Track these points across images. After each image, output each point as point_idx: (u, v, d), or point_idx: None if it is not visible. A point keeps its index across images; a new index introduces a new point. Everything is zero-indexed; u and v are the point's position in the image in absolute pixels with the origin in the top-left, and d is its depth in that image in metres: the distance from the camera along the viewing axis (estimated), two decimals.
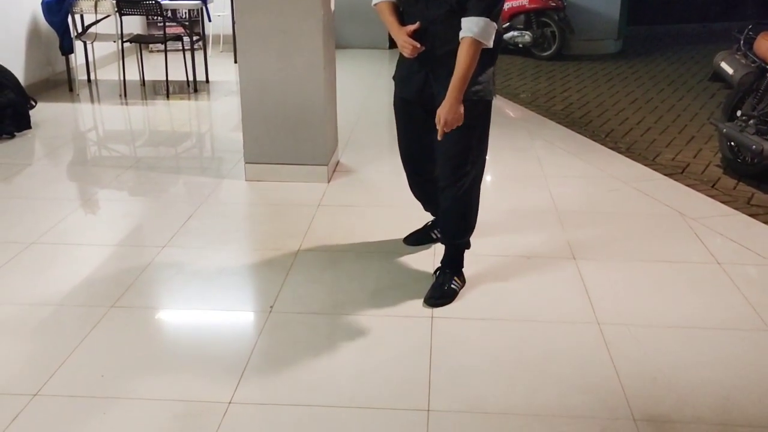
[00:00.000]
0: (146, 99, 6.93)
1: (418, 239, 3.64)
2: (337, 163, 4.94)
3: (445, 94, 2.84)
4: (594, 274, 3.35)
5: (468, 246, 3.21)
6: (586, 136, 5.70)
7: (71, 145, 5.50)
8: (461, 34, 2.73)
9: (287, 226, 3.91)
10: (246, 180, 4.62)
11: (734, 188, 4.64)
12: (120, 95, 6.86)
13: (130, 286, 3.23)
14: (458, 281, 3.17)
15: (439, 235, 3.58)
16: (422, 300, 3.10)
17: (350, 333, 2.87)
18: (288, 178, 4.58)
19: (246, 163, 4.62)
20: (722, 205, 4.23)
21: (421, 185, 3.41)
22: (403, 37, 2.86)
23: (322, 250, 3.63)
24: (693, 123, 6.25)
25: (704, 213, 4.09)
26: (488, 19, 2.70)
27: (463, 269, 3.22)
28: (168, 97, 6.94)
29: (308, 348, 2.78)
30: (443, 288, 3.12)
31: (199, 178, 4.70)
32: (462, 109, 2.85)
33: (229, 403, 2.45)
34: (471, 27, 2.70)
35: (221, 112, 6.56)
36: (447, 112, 2.83)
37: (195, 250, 3.62)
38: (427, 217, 3.63)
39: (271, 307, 3.06)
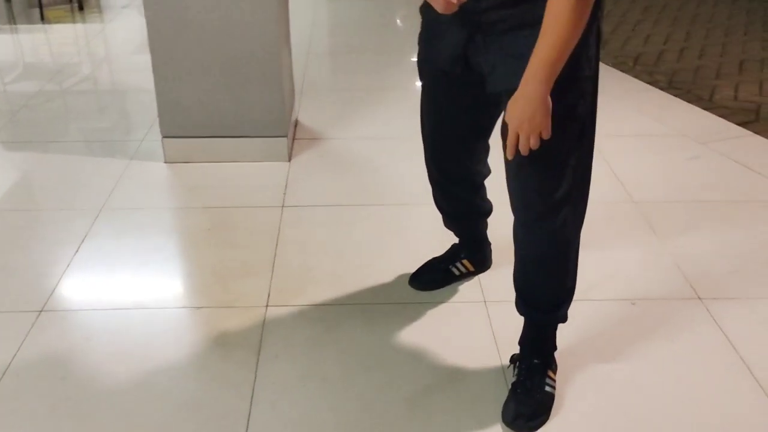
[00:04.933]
0: (14, 21, 5.15)
1: (433, 279, 2.30)
2: (296, 125, 3.47)
3: (502, 70, 1.57)
4: (742, 328, 2.11)
5: (565, 319, 1.89)
6: (609, 65, 4.37)
7: None
8: None
9: (238, 255, 2.49)
10: (165, 162, 3.12)
11: None
12: None
13: None
14: (552, 377, 1.88)
15: (465, 271, 2.28)
16: (501, 421, 1.79)
17: None
18: (229, 157, 3.11)
19: (164, 137, 3.10)
20: None
21: (450, 191, 2.09)
22: None
23: (305, 313, 2.24)
24: (731, 40, 4.98)
25: None
26: None
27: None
28: (42, 16, 5.15)
29: None
30: (534, 395, 1.81)
31: (91, 164, 3.16)
32: (550, 104, 1.48)
33: None
34: None
35: (120, 40, 4.89)
36: (523, 112, 1.49)
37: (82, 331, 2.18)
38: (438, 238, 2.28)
39: None
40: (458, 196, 2.13)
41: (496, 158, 1.79)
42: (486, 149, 1.97)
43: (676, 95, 3.92)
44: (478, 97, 1.72)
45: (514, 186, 1.72)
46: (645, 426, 1.78)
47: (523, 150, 1.54)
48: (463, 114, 1.85)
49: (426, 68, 1.86)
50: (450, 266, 2.29)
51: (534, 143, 1.51)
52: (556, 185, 1.66)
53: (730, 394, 1.89)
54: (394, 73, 4.36)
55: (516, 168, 1.67)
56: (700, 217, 2.70)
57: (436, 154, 2.02)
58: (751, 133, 3.44)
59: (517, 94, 1.50)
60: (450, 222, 2.24)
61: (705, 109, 3.73)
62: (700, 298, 2.25)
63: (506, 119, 1.55)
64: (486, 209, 2.19)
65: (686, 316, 2.17)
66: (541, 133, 1.51)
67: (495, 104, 1.73)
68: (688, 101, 3.84)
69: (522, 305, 1.88)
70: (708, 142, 3.31)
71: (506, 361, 1.98)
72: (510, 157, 1.58)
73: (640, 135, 3.41)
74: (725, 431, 1.77)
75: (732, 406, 1.85)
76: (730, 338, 2.08)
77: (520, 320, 1.98)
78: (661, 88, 4.04)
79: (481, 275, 2.34)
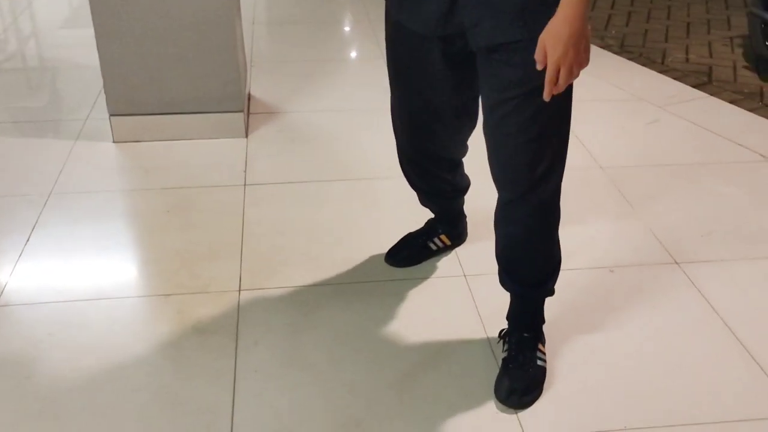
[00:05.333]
0: None
1: (410, 255, 2.24)
2: (249, 99, 3.34)
3: (487, 24, 1.49)
4: (721, 289, 2.11)
5: (552, 292, 1.85)
6: None
7: None
8: None
9: (202, 237, 2.37)
10: (114, 142, 2.96)
11: None
12: None
13: None
14: (542, 350, 1.84)
15: (442, 245, 2.23)
16: (493, 398, 1.75)
17: None
18: (182, 134, 2.96)
19: (111, 115, 2.93)
20: None
21: (429, 171, 2.01)
22: None
23: (281, 296, 2.15)
24: (675, 3, 5.02)
25: None
26: None
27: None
28: None
29: None
30: (527, 370, 1.77)
31: (32, 146, 2.97)
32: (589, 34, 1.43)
33: None
34: None
35: (47, 14, 4.63)
36: (569, 36, 1.39)
37: (55, 316, 2.05)
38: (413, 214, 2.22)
39: None
40: (438, 176, 2.04)
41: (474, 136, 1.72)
42: (471, 126, 1.89)
43: (629, 59, 3.92)
44: (458, 61, 1.64)
45: (501, 160, 1.65)
46: (637, 394, 1.77)
47: (562, 86, 1.43)
48: (444, 83, 1.75)
49: (399, 36, 1.74)
50: (427, 242, 2.23)
51: (576, 74, 1.42)
52: (543, 155, 1.61)
53: (716, 356, 1.89)
54: (345, 44, 4.26)
55: (502, 140, 1.61)
56: (667, 181, 2.70)
57: (409, 130, 1.91)
58: (705, 94, 3.47)
59: (554, 20, 1.39)
60: (427, 200, 2.17)
61: (659, 72, 3.74)
62: (677, 263, 2.25)
63: (538, 56, 1.42)
64: (465, 185, 2.13)
65: (665, 281, 2.17)
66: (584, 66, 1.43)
67: (473, 69, 1.64)
68: (642, 65, 3.85)
69: (508, 281, 1.83)
70: (665, 106, 3.32)
71: (492, 335, 1.94)
72: (547, 98, 1.46)
73: (599, 100, 3.39)
74: (713, 392, 1.77)
75: (718, 367, 1.85)
76: (710, 301, 2.08)
77: (503, 293, 1.94)
78: (614, 53, 4.04)
79: (458, 249, 2.29)
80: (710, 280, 2.16)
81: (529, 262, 1.78)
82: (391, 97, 1.89)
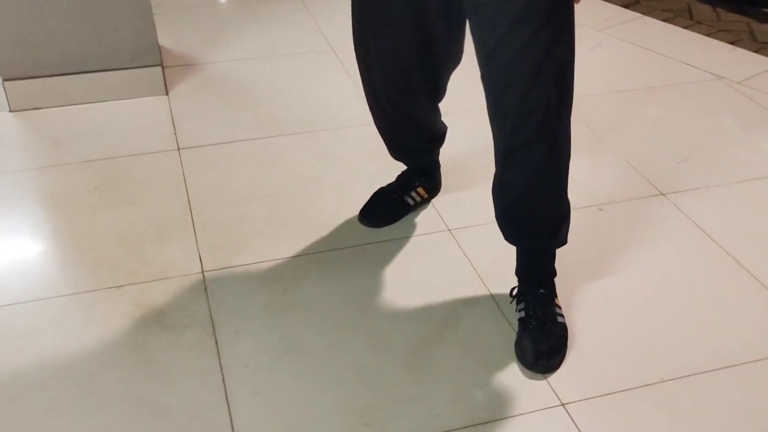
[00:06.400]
0: None
1: (387, 213, 2.02)
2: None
3: None
4: (711, 216, 2.03)
5: (566, 240, 1.69)
6: None
7: None
8: None
9: (144, 215, 2.06)
10: (11, 111, 2.54)
11: (717, 16, 3.44)
12: None
13: None
14: (559, 305, 1.69)
15: (420, 199, 2.03)
16: (517, 362, 1.59)
17: None
18: (92, 96, 2.59)
19: (5, 80, 2.51)
20: (749, 52, 3.02)
21: (409, 121, 1.79)
22: None
23: (252, 273, 1.89)
24: None
25: (744, 71, 2.86)
26: None
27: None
28: None
29: None
30: (549, 329, 1.61)
31: None
32: None
33: None
34: None
35: None
36: None
37: None
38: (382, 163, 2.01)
39: None
40: (419, 125, 1.82)
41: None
42: (459, 56, 1.66)
43: None
44: None
45: (514, 99, 1.44)
46: (663, 341, 1.65)
47: None
48: (418, 19, 1.50)
49: None
50: (404, 196, 2.02)
51: None
52: (562, 87, 1.44)
53: (727, 288, 1.81)
54: None
55: (517, 74, 1.41)
56: (627, 108, 2.59)
57: (383, 75, 1.65)
58: (639, 14, 3.38)
59: None
60: (403, 154, 1.95)
61: None
62: (663, 194, 2.14)
63: None
64: (444, 131, 1.92)
65: (656, 215, 2.06)
66: None
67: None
68: None
69: (519, 236, 1.65)
70: (604, 29, 3.20)
71: (495, 292, 1.78)
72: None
73: None
74: (738, 329, 1.69)
75: (734, 301, 1.77)
76: (706, 230, 1.99)
77: (495, 245, 1.78)
78: None
79: (434, 201, 2.09)
80: (700, 209, 2.07)
81: (543, 211, 1.60)
82: (358, 28, 1.62)
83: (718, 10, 3.49)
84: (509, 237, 1.66)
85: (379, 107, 1.74)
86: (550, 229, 1.63)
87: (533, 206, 1.60)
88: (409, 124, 1.79)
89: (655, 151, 2.34)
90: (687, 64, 2.89)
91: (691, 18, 3.42)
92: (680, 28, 3.25)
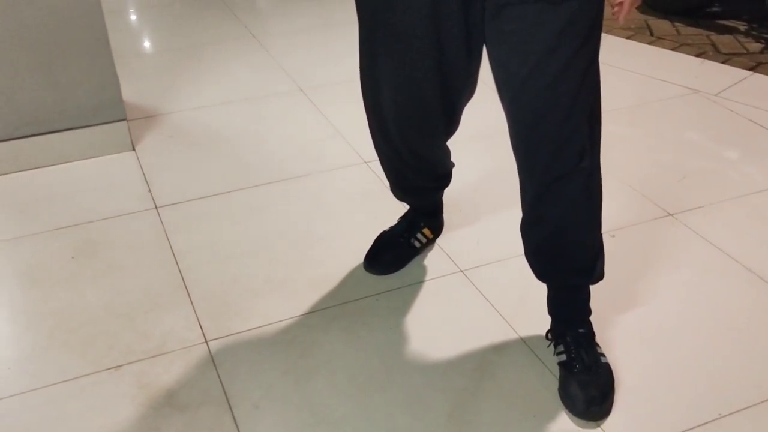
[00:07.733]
0: None
1: (396, 258, 1.90)
2: None
3: None
4: (722, 232, 1.98)
5: (602, 275, 1.59)
6: None
7: None
8: None
9: (132, 283, 1.89)
10: None
11: (677, 30, 3.47)
12: None
13: None
14: (599, 345, 1.59)
15: (426, 240, 1.93)
16: (564, 410, 1.48)
17: None
18: (55, 158, 2.41)
19: None
20: (718, 64, 3.03)
21: (414, 156, 1.66)
22: None
23: (260, 338, 1.74)
24: None
25: (718, 83, 2.86)
26: None
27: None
28: None
29: None
30: (595, 371, 1.51)
31: None
32: None
33: None
34: None
35: None
36: None
37: None
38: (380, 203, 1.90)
39: None
40: (431, 163, 1.72)
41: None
42: (474, 88, 1.56)
43: None
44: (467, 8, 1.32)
45: (551, 128, 1.34)
46: (710, 373, 1.57)
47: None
48: (452, 42, 1.39)
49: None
50: (410, 239, 1.90)
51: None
52: (594, 113, 1.36)
53: (753, 302, 1.75)
54: (210, 25, 3.74)
55: (553, 102, 1.32)
56: (614, 128, 2.55)
57: (408, 118, 1.52)
58: (603, 34, 3.37)
59: None
60: (409, 194, 1.84)
61: None
62: (671, 214, 2.08)
63: None
64: (451, 168, 1.83)
65: (669, 236, 2.00)
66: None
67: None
68: None
69: (553, 273, 1.55)
70: None
71: (524, 335, 1.68)
72: (621, 20, 1.33)
73: None
74: (759, 335, 1.62)
75: (761, 312, 1.70)
76: (722, 248, 1.93)
77: (513, 283, 1.69)
78: None
79: (439, 242, 1.99)
80: (711, 227, 2.02)
81: (581, 245, 1.51)
82: (369, 63, 1.50)
83: (677, 24, 3.51)
84: (543, 275, 1.56)
85: (390, 148, 1.63)
86: (587, 264, 1.53)
87: (570, 241, 1.50)
88: (422, 163, 1.68)
89: (653, 172, 2.29)
90: (660, 80, 2.88)
91: (652, 34, 3.43)
92: (645, 44, 3.26)
